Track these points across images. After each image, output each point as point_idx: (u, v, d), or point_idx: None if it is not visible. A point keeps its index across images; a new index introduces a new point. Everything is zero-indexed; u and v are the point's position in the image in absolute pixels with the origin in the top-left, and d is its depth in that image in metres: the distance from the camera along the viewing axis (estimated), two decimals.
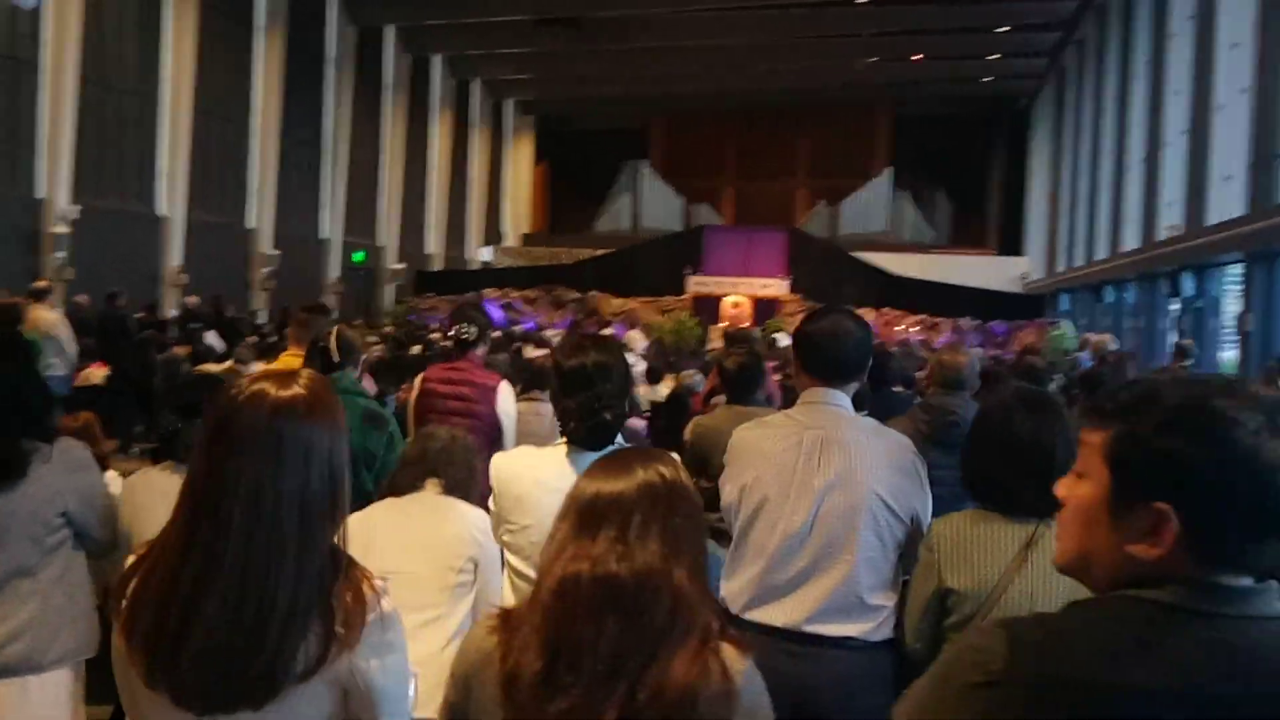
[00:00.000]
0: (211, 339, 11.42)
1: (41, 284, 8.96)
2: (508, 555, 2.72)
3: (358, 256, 26.80)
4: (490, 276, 29.24)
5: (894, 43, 28.10)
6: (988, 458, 2.59)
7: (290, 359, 4.80)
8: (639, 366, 9.73)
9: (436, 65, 29.99)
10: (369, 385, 4.81)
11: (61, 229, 17.67)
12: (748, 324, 25.59)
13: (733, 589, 2.71)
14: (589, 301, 26.52)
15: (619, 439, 2.68)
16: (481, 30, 27.59)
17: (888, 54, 28.96)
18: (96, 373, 9.67)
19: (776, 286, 26.11)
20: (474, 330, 4.78)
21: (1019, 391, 2.73)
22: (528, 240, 34.93)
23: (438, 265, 30.30)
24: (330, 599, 1.60)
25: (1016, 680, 1.21)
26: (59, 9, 17.58)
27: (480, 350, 4.86)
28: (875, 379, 6.01)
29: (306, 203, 25.16)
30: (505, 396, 4.76)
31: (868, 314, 26.40)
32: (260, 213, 23.19)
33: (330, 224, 25.87)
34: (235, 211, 22.77)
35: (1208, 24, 15.10)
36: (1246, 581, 1.25)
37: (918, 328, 25.17)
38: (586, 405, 2.60)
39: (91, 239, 17.88)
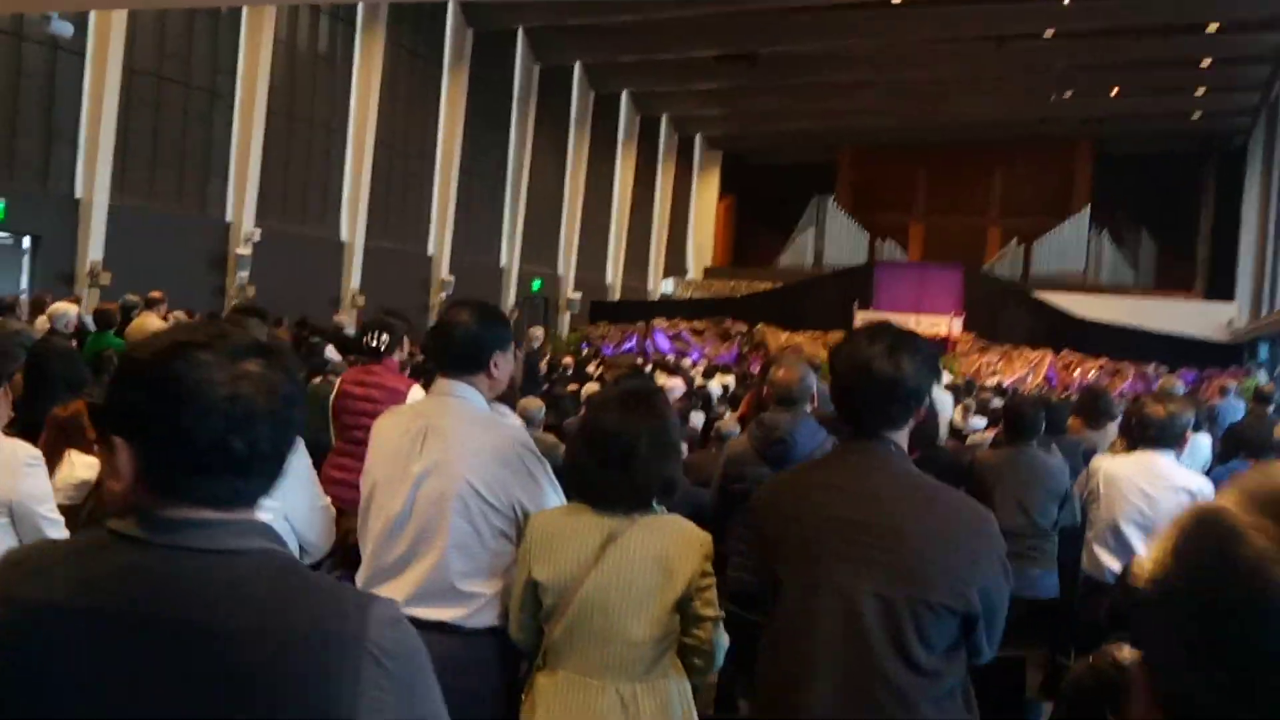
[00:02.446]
0: (330, 352, 12.21)
1: (155, 294, 9.85)
2: None
3: (535, 285, 27.76)
4: (661, 307, 29.64)
5: (1089, 77, 27.02)
6: (577, 449, 2.63)
7: None
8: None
9: (623, 101, 30.78)
10: None
11: (244, 250, 19.15)
12: None
13: (360, 571, 2.84)
14: (755, 335, 26.52)
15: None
16: (668, 67, 28.16)
17: (1083, 88, 27.85)
18: None
19: (948, 324, 25.37)
20: (385, 338, 5.03)
21: (621, 388, 2.77)
22: (710, 274, 35.23)
23: (616, 296, 30.99)
24: None
25: None
26: (251, 46, 19.16)
27: (396, 356, 5.11)
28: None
29: (486, 232, 26.28)
30: (415, 400, 4.98)
31: (1045, 356, 25.64)
32: (440, 240, 24.39)
33: (509, 253, 26.91)
34: (415, 239, 24.04)
35: None
36: (206, 514, 1.29)
37: (1098, 373, 23.95)
38: None
39: (273, 261, 19.23)
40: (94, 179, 16.81)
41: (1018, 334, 25.76)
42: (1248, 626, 0.74)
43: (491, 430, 2.80)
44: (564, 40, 26.70)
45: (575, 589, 2.50)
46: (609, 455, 2.52)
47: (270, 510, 2.72)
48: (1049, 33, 23.51)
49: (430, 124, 24.13)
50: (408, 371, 5.88)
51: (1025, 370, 24.47)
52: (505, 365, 2.86)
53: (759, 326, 26.76)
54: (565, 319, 28.60)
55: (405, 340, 5.15)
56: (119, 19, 16.72)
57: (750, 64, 26.24)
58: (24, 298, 12.33)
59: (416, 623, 2.70)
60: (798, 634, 2.25)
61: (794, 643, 2.25)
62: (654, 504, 2.58)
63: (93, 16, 16.58)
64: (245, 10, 19.08)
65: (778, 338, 26.43)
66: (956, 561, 2.21)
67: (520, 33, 26.27)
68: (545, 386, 12.60)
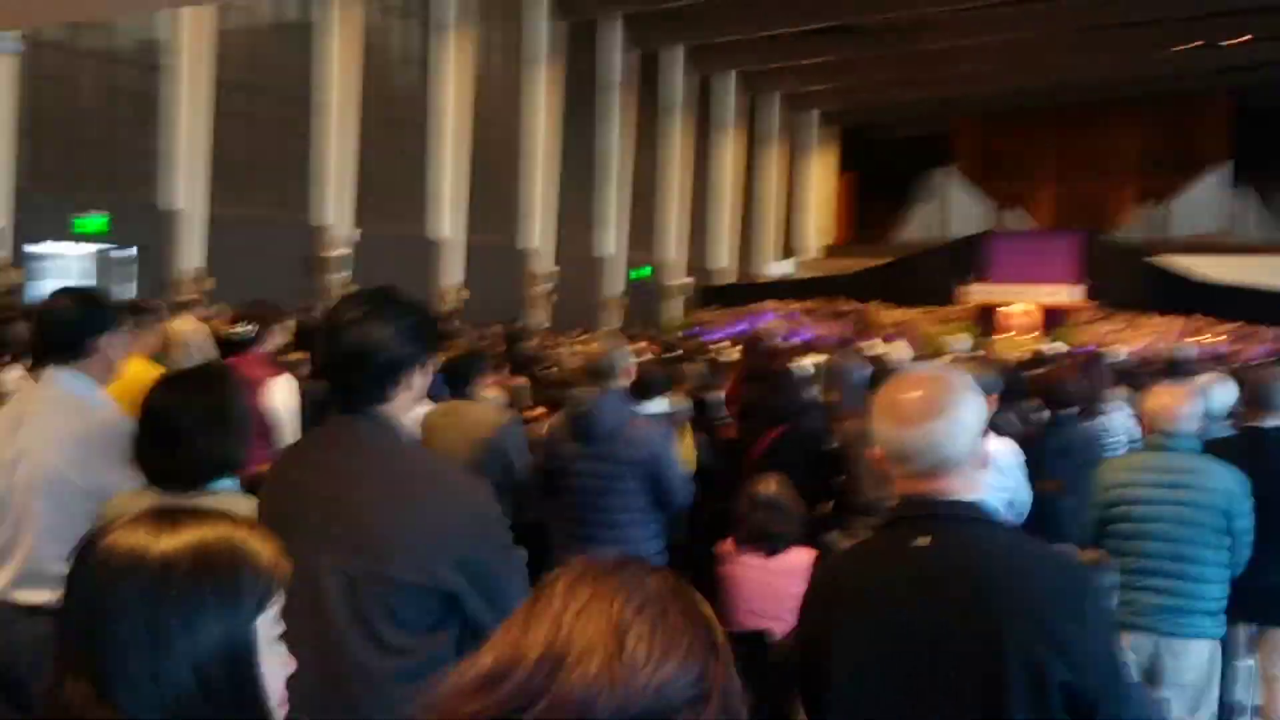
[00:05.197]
0: None
1: (190, 297, 10.29)
2: None
3: (642, 272, 27.78)
4: (770, 289, 29.33)
5: (1215, 24, 25.42)
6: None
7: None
8: None
9: (728, 82, 30.48)
10: None
11: (343, 252, 19.78)
12: (1036, 333, 24.06)
13: None
14: (865, 313, 25.98)
15: None
16: (772, 44, 27.76)
17: (1212, 36, 26.21)
18: None
19: (1067, 293, 24.32)
20: (252, 329, 5.11)
21: (193, 369, 2.74)
22: (832, 252, 34.57)
23: (728, 279, 30.76)
24: None
25: None
26: (341, 53, 19.72)
27: (265, 347, 5.17)
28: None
29: (588, 222, 26.44)
30: (277, 392, 5.04)
31: (1174, 322, 24.21)
32: (539, 233, 24.66)
33: (611, 241, 26.99)
34: (513, 232, 24.36)
35: None
36: None
37: (1226, 338, 22.57)
38: None
39: (372, 261, 19.76)
40: (193, 190, 17.63)
41: (1146, 300, 24.51)
42: None
43: (83, 415, 2.80)
44: (662, 24, 26.60)
45: None
46: (156, 432, 2.51)
47: None
48: None
49: (525, 117, 24.40)
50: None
51: (1152, 337, 23.24)
52: (119, 347, 2.87)
53: (870, 304, 26.22)
54: (675, 305, 28.55)
55: (273, 331, 5.22)
56: (208, 36, 17.48)
57: (849, 34, 25.67)
58: None
59: (17, 607, 2.79)
60: None
61: None
62: (220, 483, 2.56)
63: (185, 35, 17.39)
64: (336, 18, 19.63)
65: (890, 315, 25.85)
66: (423, 537, 2.12)
67: (616, 20, 26.28)
68: None
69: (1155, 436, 3.65)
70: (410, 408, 2.31)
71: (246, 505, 2.54)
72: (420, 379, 2.27)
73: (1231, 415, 5.07)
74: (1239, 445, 4.13)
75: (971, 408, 1.93)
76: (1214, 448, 3.91)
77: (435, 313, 2.09)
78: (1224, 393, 4.86)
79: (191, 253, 17.71)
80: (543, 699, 0.82)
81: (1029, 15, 24.67)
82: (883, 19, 25.48)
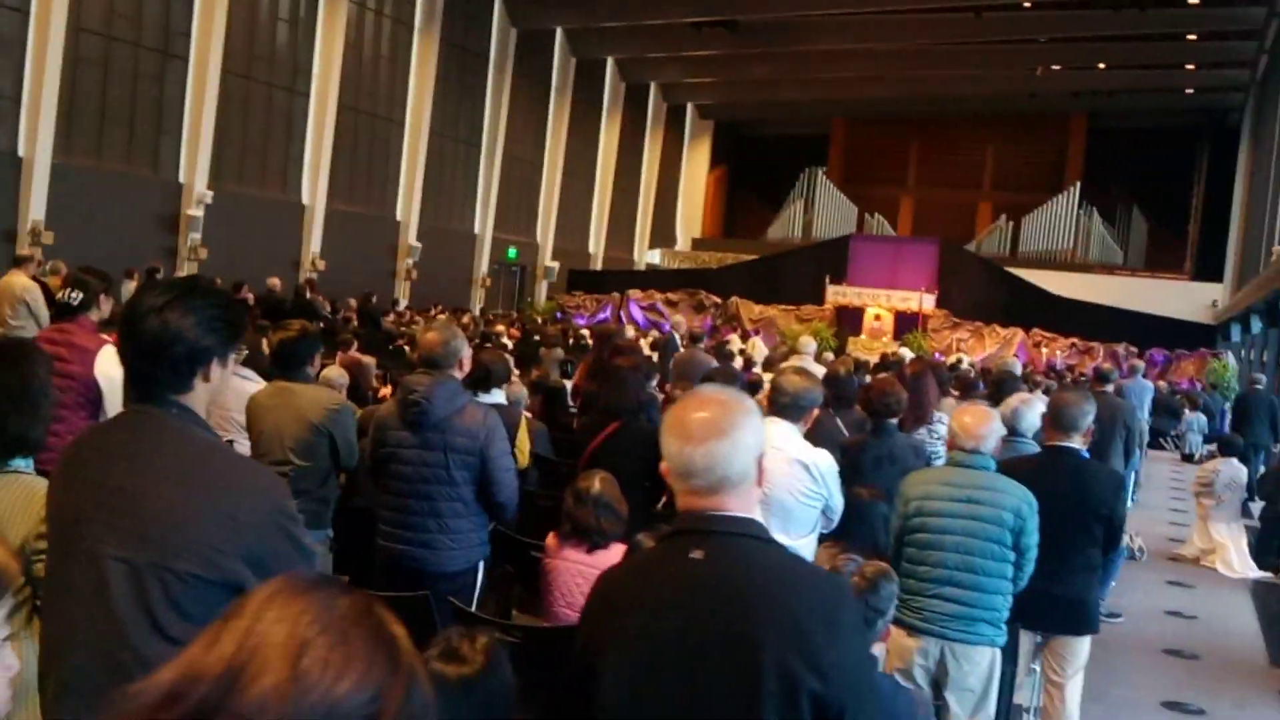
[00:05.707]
0: None
1: (24, 253, 9.89)
2: None
3: (510, 253, 27.66)
4: (639, 278, 29.52)
5: (1075, 49, 26.54)
6: None
7: None
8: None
9: (608, 68, 30.52)
10: None
11: (196, 212, 19.18)
12: (888, 336, 24.81)
13: None
14: (729, 307, 26.37)
15: None
16: (652, 33, 27.87)
17: (1070, 61, 27.38)
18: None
19: (920, 300, 25.09)
20: (79, 295, 4.96)
21: None
22: (699, 245, 34.99)
23: (599, 265, 30.86)
24: None
25: None
26: (205, 6, 19.05)
27: (93, 315, 5.03)
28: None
29: (458, 198, 26.19)
30: (104, 361, 4.90)
31: (1016, 334, 25.29)
32: (407, 206, 24.31)
33: (482, 220, 26.80)
34: (382, 203, 23.97)
35: None
36: None
37: (1067, 351, 23.66)
38: None
39: (229, 223, 19.26)
40: (36, 137, 16.83)
41: (993, 311, 25.46)
42: None
43: None
44: (542, 5, 26.47)
45: None
46: None
47: None
48: (1027, 3, 23.07)
49: (399, 87, 24.02)
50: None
51: (995, 347, 24.20)
52: None
53: (732, 299, 26.61)
54: (542, 288, 28.51)
55: (102, 299, 5.08)
56: None
57: (729, 30, 25.95)
58: None
59: None
60: (58, 599, 2.18)
61: (57, 608, 2.18)
62: (15, 462, 2.51)
63: None
64: None
65: (750, 310, 26.29)
66: (210, 529, 2.10)
67: None
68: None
69: (955, 453, 3.86)
70: (209, 398, 2.29)
71: (38, 486, 2.50)
72: (220, 370, 2.26)
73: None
74: (1035, 463, 4.38)
75: (752, 431, 2.03)
76: (1012, 465, 4.14)
77: (239, 304, 2.05)
78: (1036, 411, 5.12)
79: (33, 203, 16.94)
80: (219, 715, 0.86)
81: (907, 26, 25.36)
82: (761, 18, 25.86)
